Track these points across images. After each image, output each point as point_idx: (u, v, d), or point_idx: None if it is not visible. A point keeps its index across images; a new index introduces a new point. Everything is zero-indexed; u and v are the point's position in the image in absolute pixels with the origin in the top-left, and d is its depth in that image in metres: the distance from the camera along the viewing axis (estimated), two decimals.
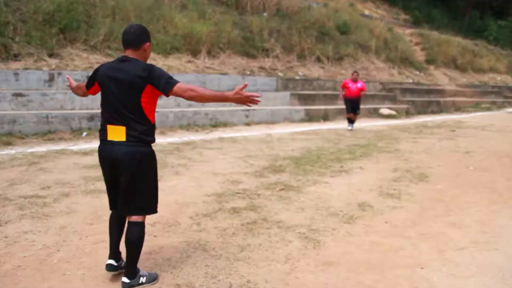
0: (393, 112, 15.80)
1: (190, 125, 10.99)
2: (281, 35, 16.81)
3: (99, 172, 6.32)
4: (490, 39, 32.27)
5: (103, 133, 3.00)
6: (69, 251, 3.64)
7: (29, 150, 7.56)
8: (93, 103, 10.45)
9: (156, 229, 4.16)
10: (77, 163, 6.79)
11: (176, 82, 2.88)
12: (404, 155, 8.03)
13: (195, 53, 13.99)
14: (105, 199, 5.08)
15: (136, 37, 2.96)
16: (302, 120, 13.19)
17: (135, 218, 3.04)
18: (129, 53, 2.96)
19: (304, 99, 14.24)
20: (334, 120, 13.84)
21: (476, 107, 20.26)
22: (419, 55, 23.51)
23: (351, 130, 11.72)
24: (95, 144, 8.56)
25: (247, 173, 6.34)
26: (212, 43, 14.47)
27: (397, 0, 31.88)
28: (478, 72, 26.12)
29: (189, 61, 13.53)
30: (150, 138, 2.99)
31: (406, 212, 4.80)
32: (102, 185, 5.59)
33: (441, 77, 22.76)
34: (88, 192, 5.29)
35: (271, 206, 4.85)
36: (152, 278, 3.16)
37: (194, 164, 6.91)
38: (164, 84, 2.85)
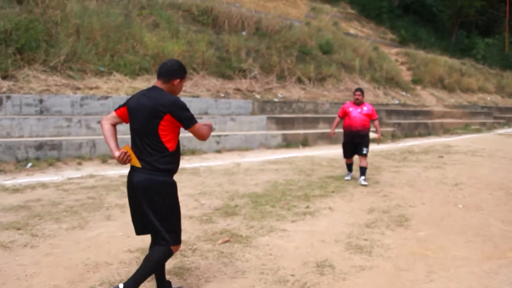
0: None
1: None
2: (259, 55, 15.94)
3: (14, 217, 5.30)
4: (478, 57, 31.78)
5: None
6: None
7: None
8: (44, 130, 9.44)
9: None
10: None
11: (196, 121, 3.07)
12: (383, 190, 7.00)
13: None
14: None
15: (168, 71, 3.08)
16: (279, 146, 12.15)
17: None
18: (159, 84, 3.09)
19: (282, 123, 13.23)
20: (315, 145, 12.85)
21: (466, 128, 19.43)
22: (405, 75, 22.78)
23: (362, 184, 7.36)
24: (37, 177, 7.52)
25: (193, 217, 5.28)
26: (185, 63, 13.52)
27: (384, 19, 31.45)
28: (466, 92, 25.45)
29: None
30: (166, 166, 3.01)
31: (377, 276, 3.75)
32: (7, 237, 4.54)
33: (428, 98, 21.99)
34: None
35: (204, 268, 3.80)
36: None
37: None
38: (187, 119, 3.01)
